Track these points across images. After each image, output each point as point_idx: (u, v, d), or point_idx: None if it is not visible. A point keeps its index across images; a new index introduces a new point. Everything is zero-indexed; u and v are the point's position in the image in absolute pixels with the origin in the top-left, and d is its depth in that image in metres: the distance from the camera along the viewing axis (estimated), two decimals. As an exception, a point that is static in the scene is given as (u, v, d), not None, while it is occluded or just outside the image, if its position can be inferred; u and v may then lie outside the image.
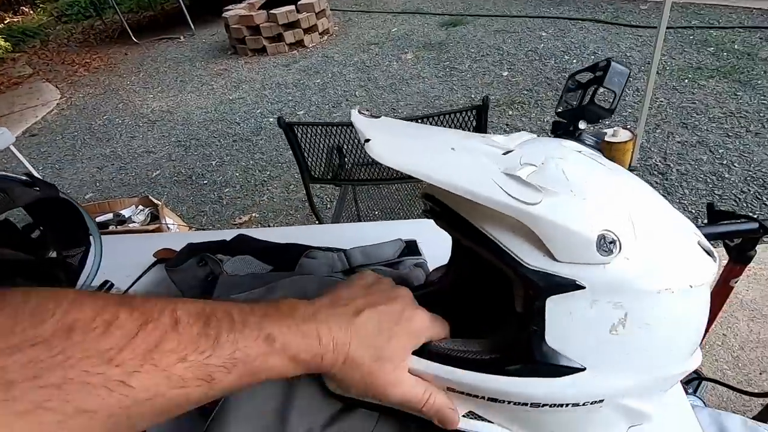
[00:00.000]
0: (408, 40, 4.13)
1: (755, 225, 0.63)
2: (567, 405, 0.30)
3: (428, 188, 0.34)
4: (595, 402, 0.30)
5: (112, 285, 0.66)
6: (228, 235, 0.67)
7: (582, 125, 0.39)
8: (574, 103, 0.40)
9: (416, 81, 3.37)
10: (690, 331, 0.31)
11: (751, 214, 0.63)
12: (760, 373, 1.30)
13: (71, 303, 0.22)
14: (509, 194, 0.27)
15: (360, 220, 1.49)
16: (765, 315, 1.44)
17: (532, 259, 0.28)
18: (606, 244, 0.27)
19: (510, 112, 2.76)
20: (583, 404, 0.30)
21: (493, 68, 3.31)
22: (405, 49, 3.95)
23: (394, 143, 0.28)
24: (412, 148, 0.30)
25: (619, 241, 0.28)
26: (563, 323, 0.28)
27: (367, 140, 0.27)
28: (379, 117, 0.32)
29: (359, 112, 0.31)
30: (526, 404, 0.30)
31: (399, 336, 0.32)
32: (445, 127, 1.10)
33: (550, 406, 0.30)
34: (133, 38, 5.77)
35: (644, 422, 0.34)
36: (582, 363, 0.29)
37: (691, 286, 0.29)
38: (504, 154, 0.31)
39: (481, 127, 1.11)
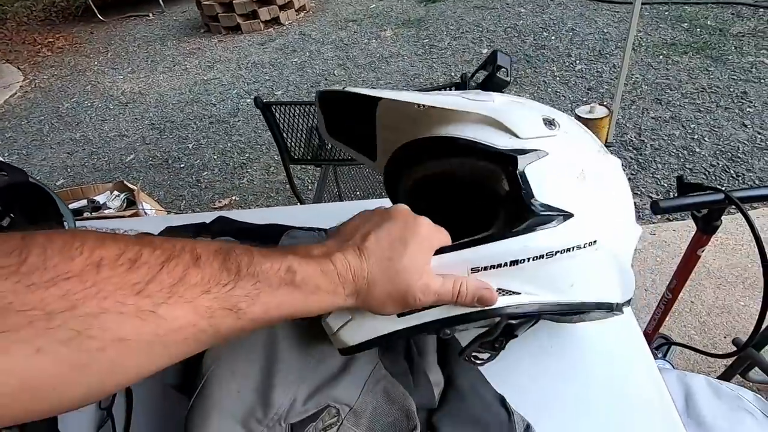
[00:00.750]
0: (387, 17, 4.05)
1: (721, 196, 0.65)
2: (572, 249, 0.35)
3: (404, 133, 0.42)
4: (592, 243, 0.36)
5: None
6: (208, 217, 0.67)
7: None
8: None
9: (396, 59, 3.32)
10: (627, 195, 0.41)
11: (719, 186, 0.66)
12: (725, 337, 1.38)
13: (95, 242, 0.23)
14: (471, 99, 0.37)
15: (342, 201, 1.49)
16: (730, 282, 1.52)
17: (502, 143, 0.36)
18: (549, 123, 0.38)
19: (490, 90, 2.76)
20: (584, 246, 0.36)
21: (473, 45, 3.29)
22: (384, 26, 3.88)
23: (369, 89, 0.36)
24: (386, 90, 0.37)
25: (555, 120, 0.39)
26: (543, 181, 0.36)
27: (344, 87, 0.33)
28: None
29: None
30: (542, 256, 0.35)
31: (413, 244, 0.32)
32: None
33: (561, 252, 0.35)
34: (99, 16, 5.48)
35: (626, 281, 0.41)
36: (570, 210, 0.35)
37: (604, 151, 0.41)
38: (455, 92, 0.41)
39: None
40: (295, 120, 1.21)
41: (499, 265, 0.34)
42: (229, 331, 0.26)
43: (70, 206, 1.76)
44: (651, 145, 2.13)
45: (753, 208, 1.73)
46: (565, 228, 0.35)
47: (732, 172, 1.93)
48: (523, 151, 0.36)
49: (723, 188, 0.65)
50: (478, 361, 0.40)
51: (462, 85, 1.08)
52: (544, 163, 0.36)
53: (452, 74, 3.03)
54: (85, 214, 1.73)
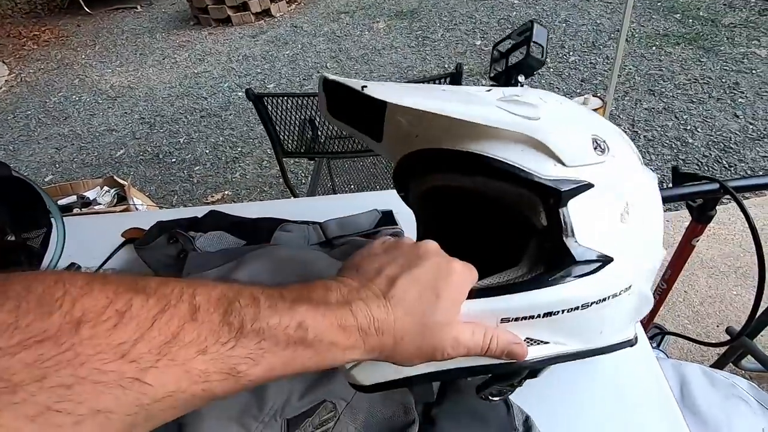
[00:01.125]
0: (379, 8, 4.01)
1: (716, 185, 0.65)
2: (608, 298, 0.33)
3: (422, 142, 0.35)
4: (626, 289, 0.34)
5: (78, 267, 0.64)
6: (200, 212, 0.66)
7: (521, 79, 0.41)
8: (500, 69, 0.44)
9: (389, 51, 3.30)
10: (661, 218, 0.38)
11: (712, 176, 0.67)
12: (717, 326, 1.39)
13: (80, 290, 0.20)
14: (514, 113, 0.31)
15: (336, 194, 1.48)
16: (723, 272, 1.53)
17: (545, 170, 0.31)
18: (599, 145, 0.33)
19: (484, 82, 2.75)
20: (619, 293, 0.33)
21: (466, 37, 3.27)
22: (376, 18, 3.84)
23: (390, 87, 0.30)
24: (408, 90, 0.31)
25: (605, 142, 0.33)
26: (586, 220, 0.32)
27: (364, 86, 0.28)
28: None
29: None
30: (578, 308, 0.32)
31: (445, 294, 0.29)
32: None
33: (597, 302, 0.32)
34: (86, 8, 5.37)
35: (645, 309, 0.39)
36: (609, 253, 0.32)
37: (643, 168, 0.37)
38: (487, 91, 0.34)
39: (454, 96, 1.10)
40: (288, 112, 1.19)
41: (531, 317, 0.32)
42: (224, 394, 0.23)
43: (60, 202, 1.73)
44: (644, 135, 2.14)
45: (744, 198, 1.74)
46: (604, 276, 0.32)
47: (724, 162, 1.94)
48: (568, 183, 0.31)
49: (717, 178, 0.65)
50: (495, 399, 0.38)
51: (457, 75, 1.07)
52: (588, 198, 0.32)
53: (445, 66, 3.01)
54: (75, 210, 1.71)
